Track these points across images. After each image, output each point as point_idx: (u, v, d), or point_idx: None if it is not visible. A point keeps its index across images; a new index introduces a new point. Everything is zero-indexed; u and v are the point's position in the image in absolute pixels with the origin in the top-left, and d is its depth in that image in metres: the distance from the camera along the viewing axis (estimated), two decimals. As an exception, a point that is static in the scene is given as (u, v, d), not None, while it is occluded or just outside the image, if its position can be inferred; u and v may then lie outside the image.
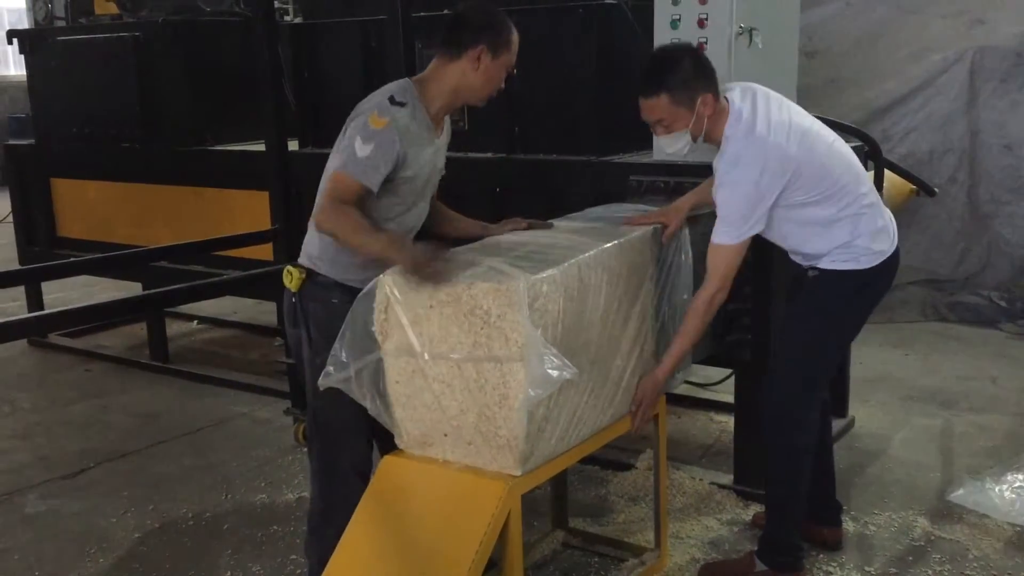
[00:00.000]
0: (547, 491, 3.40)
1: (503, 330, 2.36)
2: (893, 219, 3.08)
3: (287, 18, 5.84)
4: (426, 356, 2.48)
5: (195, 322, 6.64)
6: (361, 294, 2.56)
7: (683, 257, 3.03)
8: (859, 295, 3.02)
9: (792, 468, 3.09)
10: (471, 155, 4.21)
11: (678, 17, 3.53)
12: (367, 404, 2.59)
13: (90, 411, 5.02)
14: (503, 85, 2.78)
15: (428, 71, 2.76)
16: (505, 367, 2.37)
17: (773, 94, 2.96)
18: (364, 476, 2.80)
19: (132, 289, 5.77)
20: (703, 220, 3.11)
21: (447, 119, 2.85)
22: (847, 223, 2.92)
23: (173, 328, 6.17)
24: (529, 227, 3.00)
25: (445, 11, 4.41)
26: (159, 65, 5.47)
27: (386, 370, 2.56)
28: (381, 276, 2.53)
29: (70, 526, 3.75)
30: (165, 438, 4.60)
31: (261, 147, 4.70)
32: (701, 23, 3.48)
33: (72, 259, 5.32)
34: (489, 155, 4.26)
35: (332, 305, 2.72)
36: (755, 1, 3.55)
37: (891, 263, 3.01)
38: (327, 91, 4.84)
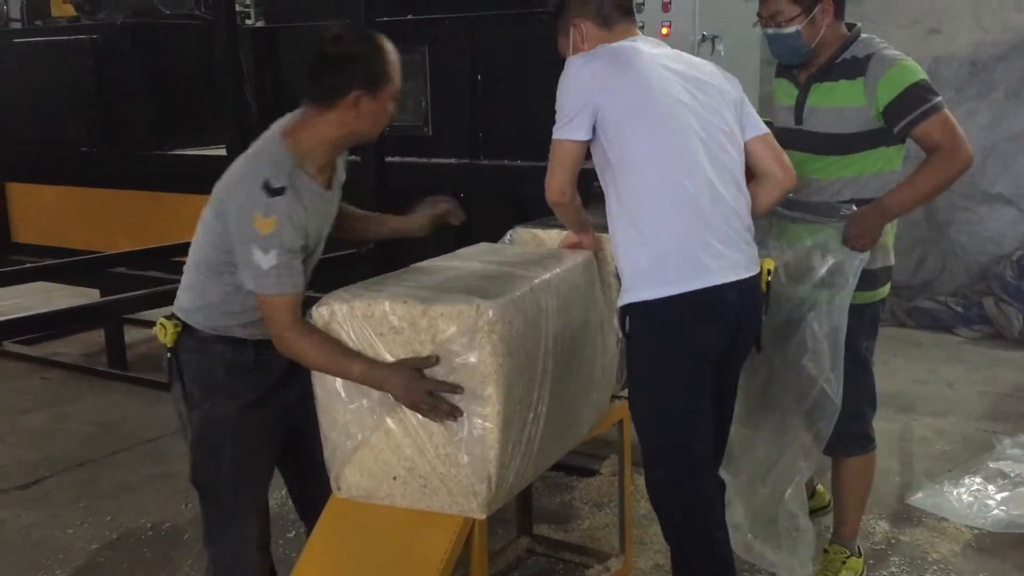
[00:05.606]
0: (512, 498, 3.39)
1: (467, 358, 2.15)
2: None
3: (248, 22, 5.78)
4: (375, 391, 2.23)
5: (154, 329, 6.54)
6: None
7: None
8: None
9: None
10: (434, 161, 4.20)
11: (642, 25, 3.53)
12: None
13: (46, 420, 4.92)
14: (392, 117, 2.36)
15: (300, 122, 2.31)
16: (470, 400, 2.16)
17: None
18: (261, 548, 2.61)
19: (89, 295, 5.68)
20: None
21: (340, 158, 2.46)
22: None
23: (131, 335, 6.07)
24: (448, 209, 2.72)
25: (409, 16, 4.42)
26: (117, 68, 5.39)
27: (325, 412, 2.30)
28: (315, 307, 2.24)
29: (25, 537, 3.67)
30: (123, 447, 4.52)
31: (222, 152, 4.65)
32: (665, 30, 3.51)
33: (27, 265, 5.21)
34: (452, 161, 4.25)
35: (211, 353, 2.40)
36: (718, 10, 3.59)
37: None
38: (289, 96, 4.80)
